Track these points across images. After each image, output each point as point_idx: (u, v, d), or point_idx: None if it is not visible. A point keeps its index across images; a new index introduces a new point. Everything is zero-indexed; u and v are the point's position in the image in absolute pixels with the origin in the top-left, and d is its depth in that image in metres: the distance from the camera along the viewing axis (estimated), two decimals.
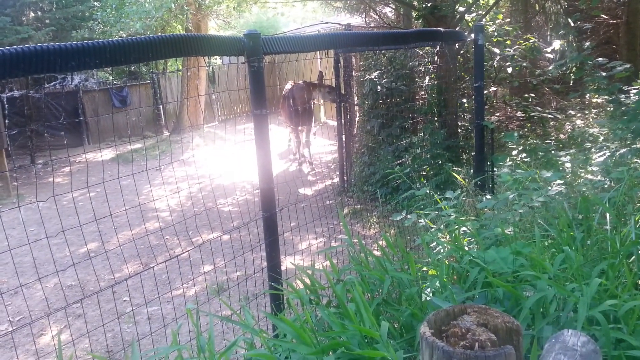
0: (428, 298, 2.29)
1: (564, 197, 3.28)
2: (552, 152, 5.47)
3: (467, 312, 1.30)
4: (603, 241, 2.51)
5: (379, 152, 7.58)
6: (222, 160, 10.25)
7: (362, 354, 1.77)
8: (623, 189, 3.02)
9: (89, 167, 12.03)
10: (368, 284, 2.42)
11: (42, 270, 5.89)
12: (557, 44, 7.20)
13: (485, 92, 6.44)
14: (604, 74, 5.51)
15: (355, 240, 2.86)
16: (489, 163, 4.85)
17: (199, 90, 15.21)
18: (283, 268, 3.08)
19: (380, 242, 4.87)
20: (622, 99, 5.15)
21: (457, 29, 6.83)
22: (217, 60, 20.39)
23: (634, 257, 2.31)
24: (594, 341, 1.33)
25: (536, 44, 7.05)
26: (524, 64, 7.20)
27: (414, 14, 8.24)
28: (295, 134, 10.18)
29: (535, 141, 6.59)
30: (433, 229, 3.30)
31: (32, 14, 16.27)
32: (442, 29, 4.99)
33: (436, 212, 3.50)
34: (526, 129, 7.77)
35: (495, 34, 7.11)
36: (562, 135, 7.38)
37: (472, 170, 5.24)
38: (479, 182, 4.56)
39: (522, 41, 7.03)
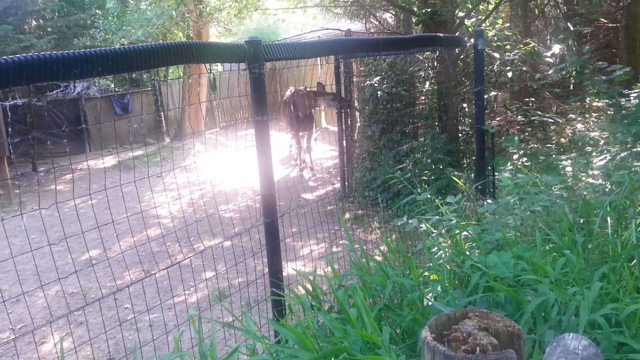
0: (430, 303, 2.29)
1: (565, 201, 3.28)
2: (553, 156, 5.47)
3: (468, 317, 1.31)
4: (604, 245, 2.51)
5: (380, 157, 7.59)
6: (223, 166, 10.27)
7: (364, 359, 1.77)
8: (624, 192, 3.02)
9: (91, 175, 12.05)
10: (370, 289, 2.42)
11: (43, 278, 5.89)
12: (556, 48, 7.21)
13: (486, 96, 6.45)
14: (604, 77, 5.52)
15: (357, 246, 2.87)
16: (489, 167, 4.86)
17: (200, 97, 15.26)
18: (284, 274, 3.09)
19: (382, 247, 4.86)
20: (622, 103, 5.16)
21: (456, 34, 6.84)
22: (218, 67, 20.47)
23: (635, 260, 2.31)
24: (596, 345, 1.34)
25: (536, 49, 7.06)
26: (524, 68, 7.21)
27: (413, 20, 8.27)
28: (296, 139, 10.20)
29: (535, 145, 6.59)
30: (434, 234, 3.30)
31: (34, 22, 16.34)
32: (441, 34, 5.01)
33: (437, 217, 3.50)
34: (527, 133, 7.77)
35: (495, 38, 7.13)
36: (562, 139, 7.38)
37: (473, 175, 5.25)
38: (479, 187, 4.56)
39: (521, 45, 7.05)
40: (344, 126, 8.08)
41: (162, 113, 15.98)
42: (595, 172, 4.13)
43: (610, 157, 4.31)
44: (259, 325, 2.98)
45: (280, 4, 15.05)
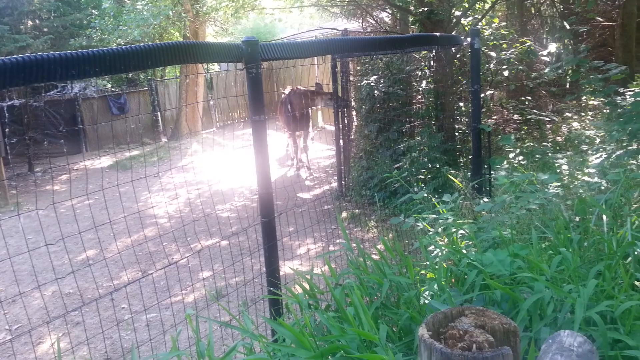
0: (426, 301, 2.30)
1: (560, 199, 3.30)
2: (549, 154, 5.49)
3: (464, 314, 1.31)
4: (600, 243, 2.52)
5: (377, 157, 7.60)
6: (220, 166, 10.26)
7: (361, 358, 1.78)
8: (619, 190, 3.04)
9: (88, 175, 12.03)
10: (367, 287, 2.42)
11: (40, 278, 5.89)
12: (553, 47, 7.23)
13: (482, 95, 6.46)
14: (599, 76, 5.53)
15: (354, 245, 2.88)
16: (486, 166, 4.87)
17: (197, 97, 15.25)
18: (282, 273, 3.09)
19: (379, 246, 4.88)
20: (618, 101, 5.17)
21: (453, 33, 6.86)
22: (215, 66, 20.44)
23: (630, 258, 2.33)
24: (591, 342, 1.35)
25: (532, 47, 7.08)
26: (520, 67, 7.23)
27: (410, 19, 8.27)
28: (293, 139, 10.21)
29: (532, 144, 6.61)
30: (431, 233, 3.31)
31: (30, 23, 16.30)
32: (438, 34, 5.02)
33: (434, 216, 3.51)
34: (523, 132, 7.79)
35: (492, 37, 7.15)
36: (558, 138, 7.40)
37: (469, 174, 5.26)
38: (476, 185, 4.57)
39: (518, 44, 7.07)
40: (340, 125, 8.09)
41: (159, 113, 15.96)
42: (591, 170, 4.15)
43: (606, 156, 4.32)
44: (256, 324, 2.98)
45: (276, 4, 15.04)
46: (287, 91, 10.20)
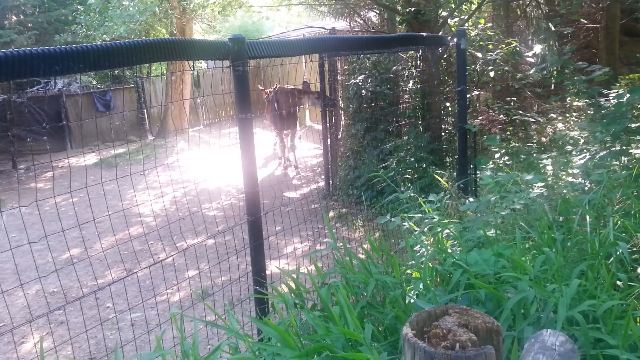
0: (412, 300, 2.31)
1: (545, 199, 3.33)
2: (534, 155, 5.54)
3: (448, 313, 1.32)
4: (583, 243, 2.56)
5: (364, 156, 7.62)
6: (206, 164, 10.21)
7: (346, 357, 1.78)
8: (602, 191, 3.07)
9: (72, 172, 11.90)
10: (352, 287, 2.43)
11: (23, 277, 5.81)
12: (538, 48, 7.29)
13: (468, 95, 6.51)
14: (584, 77, 5.59)
15: (340, 244, 2.88)
16: (472, 166, 4.90)
17: (183, 95, 15.15)
18: (268, 272, 3.09)
19: (365, 246, 4.88)
20: (602, 103, 5.23)
21: (440, 33, 6.89)
22: (201, 64, 20.33)
23: (612, 258, 2.36)
24: (573, 341, 1.36)
25: (518, 48, 7.14)
26: (506, 68, 7.29)
27: (397, 19, 8.30)
28: (280, 137, 10.19)
29: (517, 144, 6.67)
30: (417, 232, 3.32)
31: (14, 18, 16.08)
32: (424, 34, 5.04)
33: (420, 215, 3.53)
34: (508, 132, 7.86)
35: (478, 38, 7.20)
36: (543, 138, 7.48)
37: (455, 173, 5.29)
38: (462, 185, 4.60)
39: (503, 45, 7.12)
40: (328, 124, 8.10)
41: (144, 110, 15.83)
42: (575, 171, 4.19)
43: (589, 156, 4.37)
44: (242, 323, 2.97)
45: (264, 2, 15.01)
46: (268, 90, 10.18)
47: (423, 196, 3.91)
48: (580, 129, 6.31)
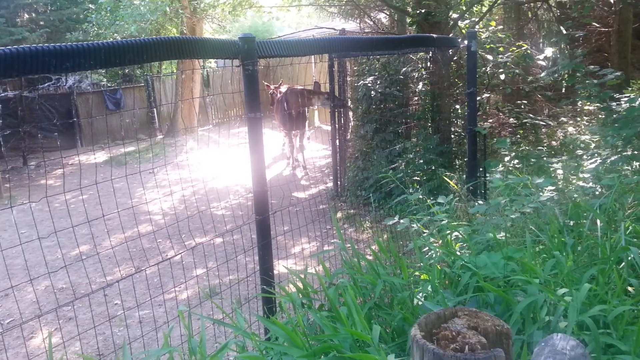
0: (420, 302, 2.30)
1: (555, 203, 3.31)
2: (544, 158, 5.50)
3: (457, 316, 1.31)
4: (593, 247, 2.53)
5: (373, 157, 7.60)
6: (215, 163, 10.24)
7: (354, 357, 1.78)
8: (613, 195, 3.05)
9: (82, 170, 11.97)
10: (360, 288, 2.42)
11: (33, 273, 5.85)
12: (549, 52, 7.24)
13: (478, 98, 6.47)
14: (595, 81, 5.56)
15: (348, 245, 2.87)
16: (481, 169, 4.88)
17: (193, 93, 15.20)
18: (275, 272, 3.09)
19: (373, 247, 4.87)
20: (613, 107, 5.19)
21: (450, 35, 6.87)
22: (211, 63, 20.40)
23: (623, 263, 2.33)
24: (583, 346, 1.35)
25: (528, 51, 7.10)
26: (517, 70, 7.24)
27: (408, 20, 8.28)
28: (289, 138, 10.20)
29: (527, 148, 6.63)
30: (425, 234, 3.31)
31: (26, 16, 16.22)
32: (435, 35, 5.02)
33: (428, 217, 3.51)
34: (518, 136, 7.82)
35: (488, 40, 7.16)
36: (554, 142, 7.43)
37: (464, 176, 5.27)
38: (471, 188, 4.58)
39: (514, 48, 7.08)
40: (337, 125, 8.09)
41: (154, 109, 15.91)
42: (586, 175, 4.16)
43: (600, 161, 4.34)
44: (249, 322, 2.97)
45: (274, 2, 15.02)
46: (273, 86, 10.18)
47: (432, 198, 3.89)
48: (591, 133, 6.27)
